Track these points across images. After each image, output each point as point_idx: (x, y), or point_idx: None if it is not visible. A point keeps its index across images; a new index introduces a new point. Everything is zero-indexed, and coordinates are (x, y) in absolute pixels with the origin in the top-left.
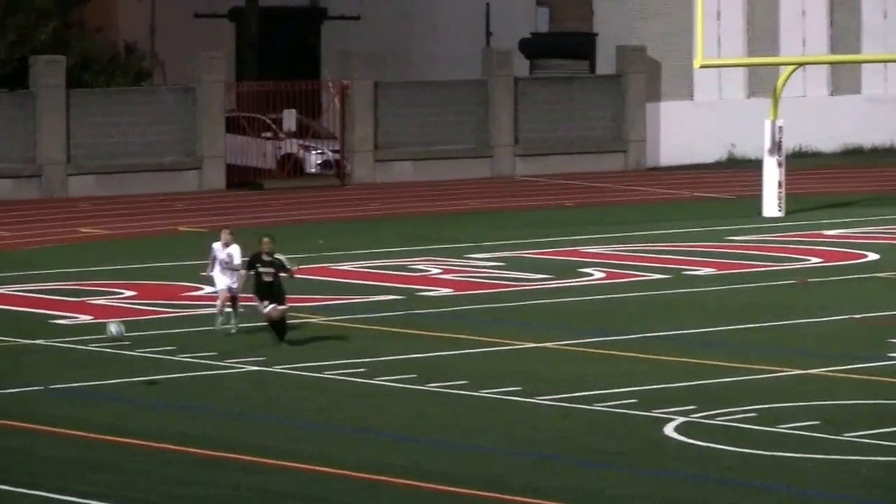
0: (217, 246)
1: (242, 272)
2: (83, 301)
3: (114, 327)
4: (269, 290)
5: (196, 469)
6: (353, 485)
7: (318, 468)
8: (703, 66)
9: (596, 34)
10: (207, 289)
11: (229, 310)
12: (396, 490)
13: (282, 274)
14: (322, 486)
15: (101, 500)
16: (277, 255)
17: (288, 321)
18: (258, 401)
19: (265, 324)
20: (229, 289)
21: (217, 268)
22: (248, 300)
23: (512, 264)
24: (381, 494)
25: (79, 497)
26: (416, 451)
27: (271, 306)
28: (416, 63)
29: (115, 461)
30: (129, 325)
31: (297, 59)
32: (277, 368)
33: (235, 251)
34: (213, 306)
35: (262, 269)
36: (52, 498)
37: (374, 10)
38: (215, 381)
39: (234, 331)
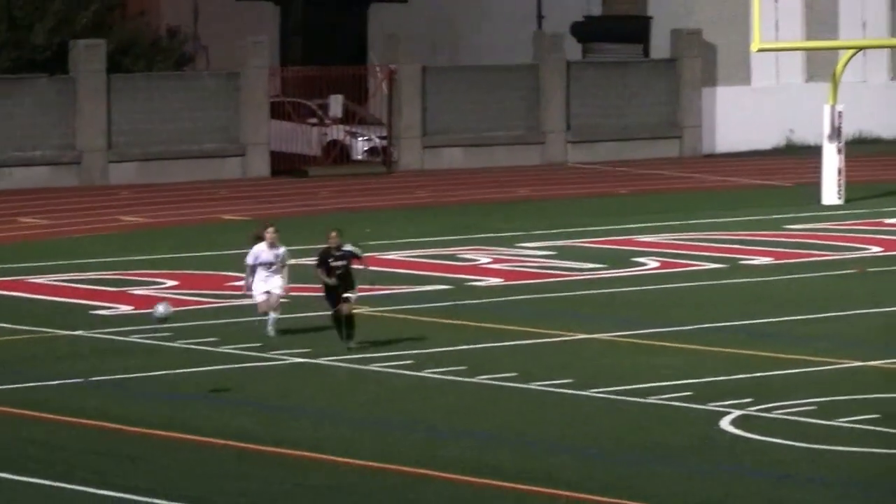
0: (260, 248)
1: (318, 271)
2: (123, 291)
3: (161, 308)
4: (342, 282)
5: (239, 463)
6: (401, 479)
7: (365, 462)
8: (760, 50)
9: (650, 17)
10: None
11: (274, 315)
12: (447, 485)
13: (355, 266)
14: (370, 481)
15: (143, 495)
16: (346, 246)
17: (328, 312)
18: (302, 394)
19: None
20: (268, 292)
21: (260, 274)
22: (308, 290)
23: (564, 254)
24: (431, 490)
25: (120, 492)
26: (466, 445)
27: (340, 307)
28: (465, 47)
29: (156, 455)
30: (172, 316)
31: (343, 43)
32: (322, 360)
33: (284, 251)
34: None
35: (334, 264)
36: (92, 493)
37: None
38: (258, 373)
39: (272, 334)
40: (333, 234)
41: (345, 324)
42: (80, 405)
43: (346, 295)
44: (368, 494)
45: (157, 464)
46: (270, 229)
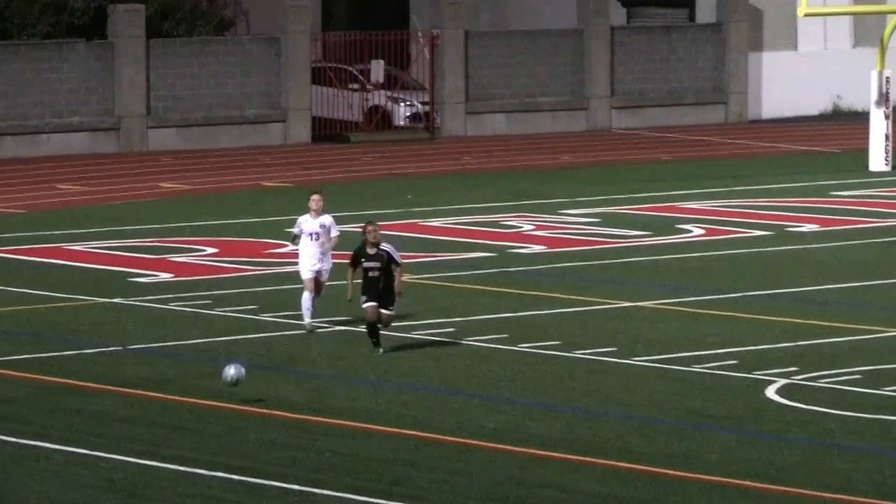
0: (305, 219)
1: (348, 272)
2: (164, 259)
3: (233, 370)
4: (376, 289)
5: (281, 432)
6: (446, 449)
7: (408, 432)
8: (807, 15)
9: None
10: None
11: (309, 307)
12: (490, 455)
13: (396, 273)
14: (413, 451)
15: (183, 464)
16: (384, 246)
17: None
18: (344, 362)
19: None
20: (319, 273)
21: (306, 244)
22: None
23: (607, 221)
24: (474, 459)
25: (166, 462)
26: (510, 413)
27: (371, 304)
28: (508, 12)
29: (196, 424)
30: (211, 283)
31: (385, 7)
32: (364, 329)
33: (330, 221)
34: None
35: (367, 265)
36: (136, 463)
37: None
38: (299, 341)
39: (310, 328)
40: (370, 227)
41: (376, 331)
42: (121, 374)
43: (385, 312)
44: (413, 464)
45: (203, 433)
46: (316, 196)
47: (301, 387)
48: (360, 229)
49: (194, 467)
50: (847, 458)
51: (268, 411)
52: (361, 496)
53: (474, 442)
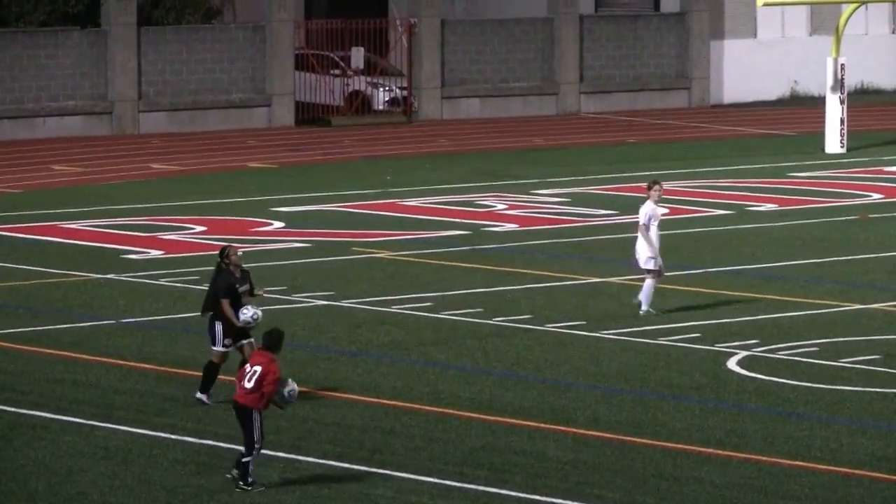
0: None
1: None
2: (154, 236)
3: (249, 311)
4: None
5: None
6: (423, 417)
7: (387, 402)
8: (765, 5)
9: None
10: (276, 224)
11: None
12: (466, 423)
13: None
14: (392, 419)
15: (173, 432)
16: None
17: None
18: (327, 335)
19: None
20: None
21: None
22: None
23: (577, 200)
24: (451, 428)
25: (152, 430)
26: (484, 384)
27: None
28: (482, 1)
29: (186, 394)
30: (199, 260)
31: None
32: (345, 303)
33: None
34: (285, 241)
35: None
36: (130, 431)
37: None
38: (285, 315)
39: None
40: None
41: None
42: (115, 346)
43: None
44: (391, 431)
45: (193, 403)
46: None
47: (284, 358)
48: None
49: (184, 435)
50: (804, 427)
51: None
52: (342, 462)
53: (450, 411)
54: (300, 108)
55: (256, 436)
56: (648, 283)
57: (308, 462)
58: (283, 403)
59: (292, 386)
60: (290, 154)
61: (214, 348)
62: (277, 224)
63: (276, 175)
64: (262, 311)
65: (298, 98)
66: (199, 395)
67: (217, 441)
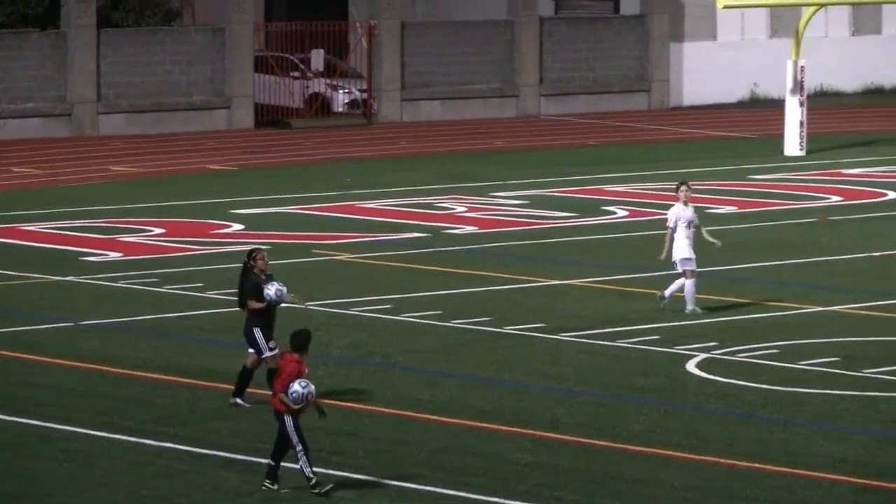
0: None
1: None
2: (113, 238)
3: (274, 289)
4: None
5: (223, 403)
6: (384, 419)
7: (347, 404)
8: (725, 7)
9: None
10: (236, 227)
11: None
12: (426, 425)
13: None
14: (353, 422)
15: (133, 435)
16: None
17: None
18: (282, 338)
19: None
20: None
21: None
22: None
23: (536, 202)
24: (411, 430)
25: (112, 432)
26: (445, 386)
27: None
28: (443, 3)
29: (146, 396)
30: (159, 262)
31: None
32: (306, 305)
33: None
34: (245, 243)
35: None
36: (85, 433)
37: None
38: (243, 317)
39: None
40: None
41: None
42: (74, 348)
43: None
44: (353, 434)
45: (153, 405)
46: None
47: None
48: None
49: (144, 438)
50: (763, 429)
51: (214, 384)
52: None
53: (411, 413)
54: (260, 110)
55: (293, 440)
56: (688, 283)
57: (266, 465)
58: (290, 404)
59: (295, 387)
60: (250, 156)
61: (264, 356)
62: (237, 226)
63: (236, 177)
64: (284, 289)
65: (258, 100)
66: (233, 399)
67: (176, 443)
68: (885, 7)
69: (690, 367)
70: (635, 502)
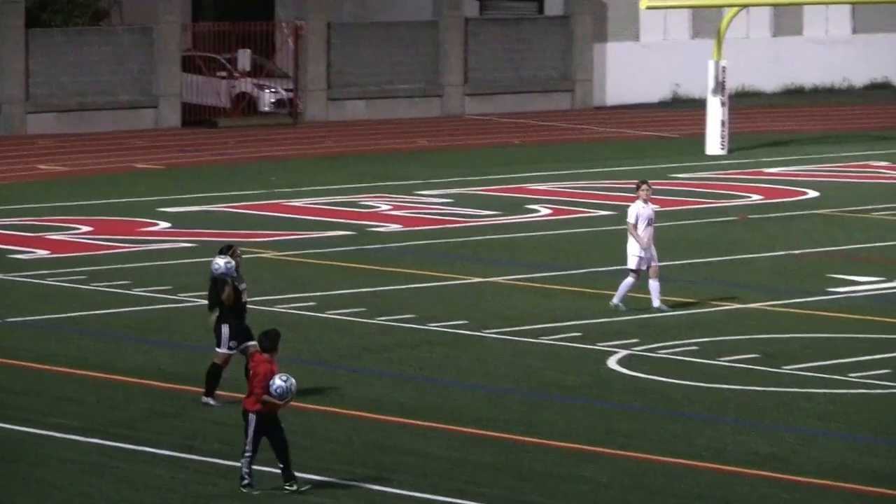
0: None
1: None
2: (41, 236)
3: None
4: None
5: (157, 401)
6: (311, 416)
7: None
8: (648, 8)
9: None
10: (163, 225)
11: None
12: (352, 422)
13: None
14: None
15: (64, 432)
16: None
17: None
18: (210, 334)
19: None
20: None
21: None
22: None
23: (460, 201)
24: (339, 427)
25: (43, 429)
26: (371, 383)
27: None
28: (369, 4)
29: (77, 393)
30: (86, 260)
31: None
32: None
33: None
34: (172, 241)
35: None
36: (16, 430)
37: None
38: (172, 314)
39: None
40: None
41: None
42: (2, 345)
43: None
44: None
45: (84, 402)
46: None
47: (176, 357)
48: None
49: (75, 434)
50: (687, 425)
51: (145, 381)
52: (228, 461)
53: (337, 410)
54: (187, 109)
55: (248, 438)
56: (629, 281)
57: (197, 461)
58: (277, 401)
59: (277, 383)
60: (177, 155)
61: (219, 350)
62: (164, 224)
63: (163, 176)
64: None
65: (185, 99)
66: (204, 398)
67: (106, 440)
68: (806, 8)
69: (612, 363)
70: (561, 498)
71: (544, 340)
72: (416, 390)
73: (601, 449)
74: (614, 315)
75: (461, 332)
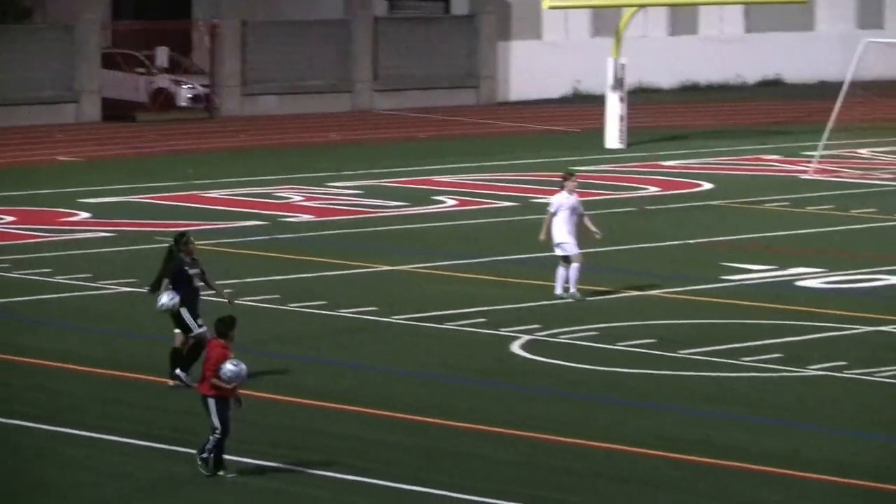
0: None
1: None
2: None
3: (166, 298)
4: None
5: (78, 383)
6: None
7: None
8: (551, 8)
9: None
10: (83, 215)
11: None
12: (263, 404)
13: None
14: (193, 400)
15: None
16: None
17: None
18: (131, 320)
19: None
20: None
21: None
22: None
23: (370, 192)
24: (250, 409)
25: None
26: (282, 366)
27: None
28: (282, 3)
29: (13, 379)
30: (9, 249)
31: None
32: (147, 290)
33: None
34: (92, 231)
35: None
36: None
37: None
38: (92, 301)
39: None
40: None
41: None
42: None
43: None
44: (187, 412)
45: (9, 386)
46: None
47: (94, 342)
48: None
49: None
50: (584, 407)
51: (65, 365)
52: (146, 441)
53: (249, 392)
54: (107, 104)
55: (213, 422)
56: (561, 268)
57: (113, 441)
58: (226, 384)
59: (227, 367)
60: (97, 148)
61: (193, 333)
62: (84, 214)
63: (84, 168)
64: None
65: (105, 95)
66: (177, 372)
67: (24, 421)
68: (701, 9)
69: (515, 348)
70: (464, 477)
71: (450, 326)
72: (325, 372)
73: (504, 430)
74: (516, 302)
75: (370, 317)
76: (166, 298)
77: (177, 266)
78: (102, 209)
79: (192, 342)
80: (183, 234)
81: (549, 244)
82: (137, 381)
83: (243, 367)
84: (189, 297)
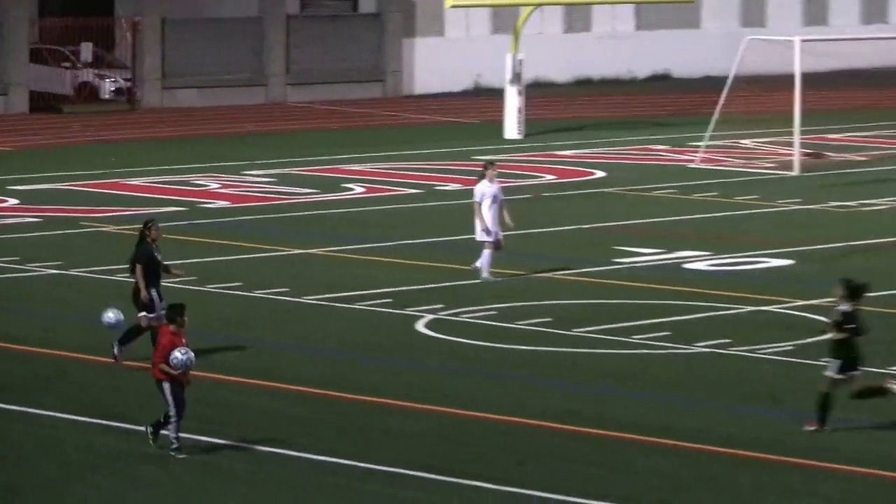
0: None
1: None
2: None
3: (112, 314)
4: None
5: (14, 363)
6: (142, 375)
7: (107, 360)
8: (453, 6)
9: None
10: (12, 201)
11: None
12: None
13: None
14: (117, 378)
15: None
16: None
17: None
18: (61, 301)
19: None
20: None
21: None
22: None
23: (283, 180)
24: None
25: None
26: (196, 344)
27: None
28: (199, 1)
29: None
30: None
31: None
32: (74, 272)
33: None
34: (20, 216)
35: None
36: None
37: None
38: (22, 283)
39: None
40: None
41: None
42: None
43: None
44: (114, 388)
45: None
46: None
47: (25, 323)
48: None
49: None
50: (485, 382)
51: (8, 345)
52: (76, 416)
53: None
54: (34, 97)
55: (169, 405)
56: (486, 252)
57: (47, 416)
58: (172, 371)
59: (175, 355)
60: (25, 138)
61: (156, 313)
62: (13, 201)
63: (12, 157)
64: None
65: (33, 88)
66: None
67: (8, 405)
68: (595, 7)
69: (419, 326)
70: (374, 449)
71: (358, 306)
72: (238, 350)
73: (409, 403)
74: (421, 283)
75: (283, 298)
76: (111, 316)
77: (146, 254)
78: (30, 196)
79: (155, 325)
80: (148, 220)
81: (483, 230)
82: (63, 358)
83: (191, 355)
84: (156, 280)
